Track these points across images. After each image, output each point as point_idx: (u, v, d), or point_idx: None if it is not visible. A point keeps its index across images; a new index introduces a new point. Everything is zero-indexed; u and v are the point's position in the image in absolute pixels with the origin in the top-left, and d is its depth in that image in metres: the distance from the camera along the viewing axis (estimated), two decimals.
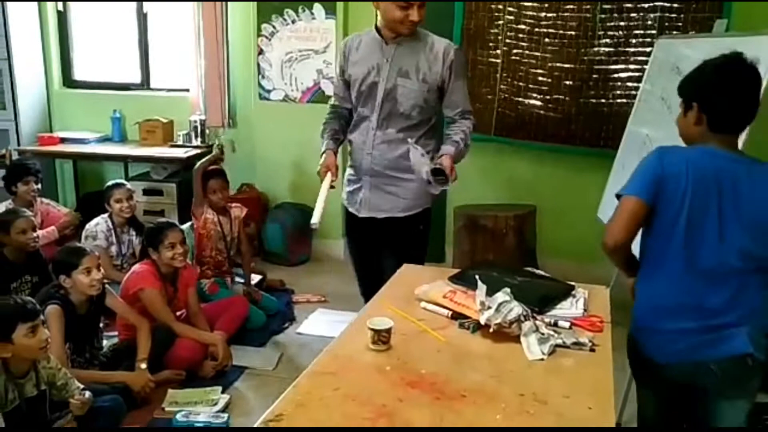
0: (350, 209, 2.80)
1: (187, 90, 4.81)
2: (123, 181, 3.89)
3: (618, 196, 1.77)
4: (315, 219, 2.47)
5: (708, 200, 1.66)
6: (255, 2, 4.43)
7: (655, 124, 3.36)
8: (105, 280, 2.84)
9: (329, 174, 2.57)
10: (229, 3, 4.56)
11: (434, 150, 2.60)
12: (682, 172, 1.67)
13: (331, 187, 2.57)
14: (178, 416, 2.60)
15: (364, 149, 2.64)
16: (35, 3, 4.94)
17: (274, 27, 4.44)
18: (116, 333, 3.09)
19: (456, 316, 1.83)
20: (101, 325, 2.95)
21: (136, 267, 3.10)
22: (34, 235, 3.22)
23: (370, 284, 2.77)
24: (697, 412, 1.80)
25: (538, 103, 4.03)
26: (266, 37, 4.47)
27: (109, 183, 3.78)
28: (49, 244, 3.59)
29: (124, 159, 4.64)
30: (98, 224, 3.66)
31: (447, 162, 2.41)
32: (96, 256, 2.78)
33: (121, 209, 3.65)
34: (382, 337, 1.68)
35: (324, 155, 2.64)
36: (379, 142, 2.61)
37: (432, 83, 2.54)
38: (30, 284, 3.18)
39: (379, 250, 2.79)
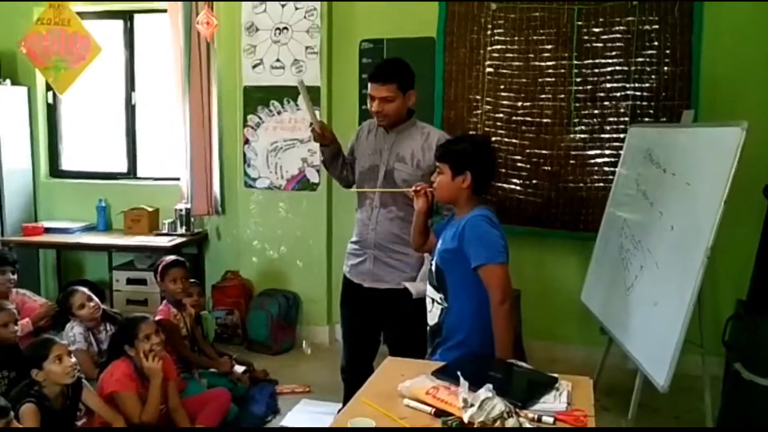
0: (355, 280, 2.94)
1: (177, 179, 4.87)
2: (75, 287, 3.61)
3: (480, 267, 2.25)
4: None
5: None
6: (241, 94, 4.56)
7: (631, 206, 3.44)
8: (82, 376, 2.78)
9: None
10: (215, 95, 4.69)
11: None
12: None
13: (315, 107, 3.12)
14: None
15: (368, 225, 2.85)
16: (25, 95, 5.06)
17: (260, 118, 4.55)
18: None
19: (439, 413, 1.81)
20: (79, 423, 2.87)
21: (111, 366, 2.96)
22: (16, 328, 3.16)
23: (356, 357, 3.00)
24: None
25: (518, 188, 4.12)
26: (252, 128, 4.57)
27: (61, 294, 3.64)
28: (24, 336, 3.45)
29: (108, 248, 4.64)
30: (73, 328, 3.43)
31: None
32: (65, 344, 2.74)
33: (89, 312, 3.44)
34: None
35: None
36: (382, 219, 2.82)
37: (426, 168, 2.74)
38: (7, 380, 3.04)
39: (379, 320, 2.95)
